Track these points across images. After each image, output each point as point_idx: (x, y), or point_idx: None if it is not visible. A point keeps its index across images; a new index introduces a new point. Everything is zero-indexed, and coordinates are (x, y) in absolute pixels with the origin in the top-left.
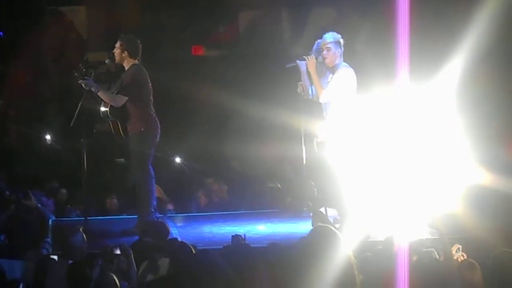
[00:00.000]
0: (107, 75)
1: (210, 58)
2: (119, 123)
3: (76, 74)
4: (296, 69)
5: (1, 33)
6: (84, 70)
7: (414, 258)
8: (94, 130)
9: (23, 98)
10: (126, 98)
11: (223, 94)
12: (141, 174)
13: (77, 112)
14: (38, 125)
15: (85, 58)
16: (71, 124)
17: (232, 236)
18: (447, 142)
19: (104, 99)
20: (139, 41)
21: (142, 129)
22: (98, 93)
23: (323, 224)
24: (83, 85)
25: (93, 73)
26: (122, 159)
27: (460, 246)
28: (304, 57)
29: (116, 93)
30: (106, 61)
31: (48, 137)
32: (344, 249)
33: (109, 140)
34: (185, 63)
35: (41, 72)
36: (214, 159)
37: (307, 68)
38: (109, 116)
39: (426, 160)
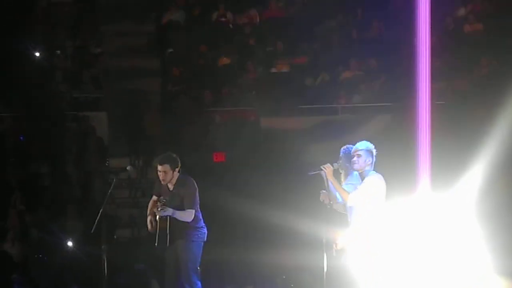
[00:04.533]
0: (128, 181)
1: (232, 164)
2: (168, 233)
3: (159, 203)
4: (319, 176)
5: (21, 137)
6: (163, 204)
7: None
8: (115, 236)
9: (44, 203)
10: (193, 210)
11: (244, 201)
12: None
13: (98, 218)
14: (58, 231)
15: (106, 164)
16: (92, 231)
17: None
18: (467, 250)
19: (179, 218)
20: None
21: (199, 234)
22: (175, 215)
23: None
24: (160, 213)
25: (114, 180)
26: (142, 265)
27: None
28: (321, 167)
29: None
30: (128, 168)
31: (69, 243)
32: None
33: (129, 246)
34: (206, 169)
35: (61, 176)
36: (234, 265)
37: (326, 176)
38: (168, 230)
39: (446, 269)
